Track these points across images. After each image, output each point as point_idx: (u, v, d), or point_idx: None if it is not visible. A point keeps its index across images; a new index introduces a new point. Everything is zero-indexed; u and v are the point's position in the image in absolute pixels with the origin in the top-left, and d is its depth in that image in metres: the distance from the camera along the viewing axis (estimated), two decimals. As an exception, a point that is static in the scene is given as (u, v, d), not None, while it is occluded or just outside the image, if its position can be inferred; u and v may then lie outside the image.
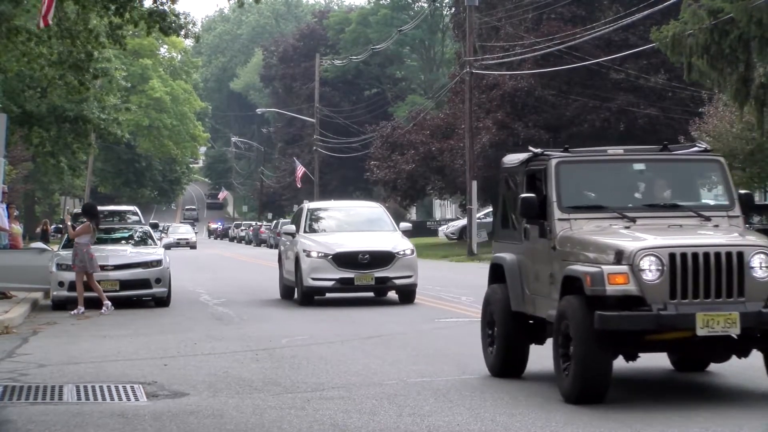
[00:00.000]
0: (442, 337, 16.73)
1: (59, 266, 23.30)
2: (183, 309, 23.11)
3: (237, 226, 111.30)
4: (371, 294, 24.15)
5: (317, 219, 24.81)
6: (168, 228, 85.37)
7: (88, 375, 13.00)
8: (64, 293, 23.16)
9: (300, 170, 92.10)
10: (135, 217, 27.86)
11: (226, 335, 17.57)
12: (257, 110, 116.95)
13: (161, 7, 26.21)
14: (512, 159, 12.99)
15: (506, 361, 12.16)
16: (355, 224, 24.49)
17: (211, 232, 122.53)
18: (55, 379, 12.73)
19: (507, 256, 12.37)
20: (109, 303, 21.96)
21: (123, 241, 25.85)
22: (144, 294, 23.78)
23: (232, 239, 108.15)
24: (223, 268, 44.51)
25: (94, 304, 23.19)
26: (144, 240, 25.86)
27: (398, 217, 74.27)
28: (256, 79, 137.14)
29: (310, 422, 9.88)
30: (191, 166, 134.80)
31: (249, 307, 23.41)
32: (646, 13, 40.55)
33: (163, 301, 23.77)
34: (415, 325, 18.73)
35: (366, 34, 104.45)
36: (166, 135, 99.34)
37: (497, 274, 12.57)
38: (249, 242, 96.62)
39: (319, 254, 22.51)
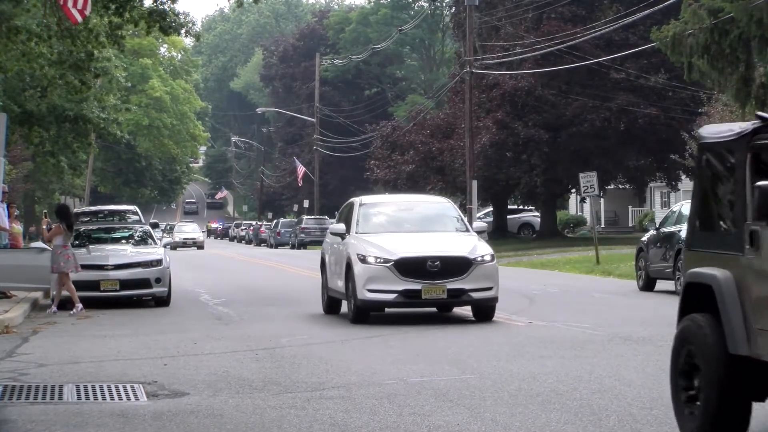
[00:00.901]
0: (442, 337, 16.73)
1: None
2: (183, 309, 23.12)
3: (237, 226, 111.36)
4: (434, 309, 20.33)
5: (372, 216, 20.33)
6: (173, 227, 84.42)
7: (88, 374, 13.00)
8: (64, 293, 23.14)
9: (301, 170, 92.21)
10: (135, 217, 27.86)
11: (226, 335, 17.57)
12: (257, 110, 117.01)
13: (161, 7, 26.24)
14: (720, 131, 8.93)
15: (720, 425, 8.35)
16: (418, 223, 20.40)
17: (212, 232, 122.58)
18: (55, 378, 12.73)
19: (718, 274, 8.46)
20: (80, 306, 21.89)
21: (123, 241, 25.85)
22: (144, 293, 23.78)
23: (232, 239, 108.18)
24: (223, 268, 44.51)
25: (94, 304, 23.21)
26: (144, 240, 25.85)
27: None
28: (256, 78, 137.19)
29: (310, 422, 9.88)
30: (191, 165, 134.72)
31: (249, 306, 23.40)
32: (646, 12, 40.55)
33: (163, 301, 23.77)
34: (416, 325, 18.72)
35: (366, 34, 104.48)
36: (166, 134, 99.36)
37: (700, 298, 8.70)
38: (249, 242, 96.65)
39: (378, 260, 18.29)
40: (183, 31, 27.58)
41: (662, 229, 27.03)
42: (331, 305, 20.80)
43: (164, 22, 25.97)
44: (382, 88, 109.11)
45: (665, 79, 51.95)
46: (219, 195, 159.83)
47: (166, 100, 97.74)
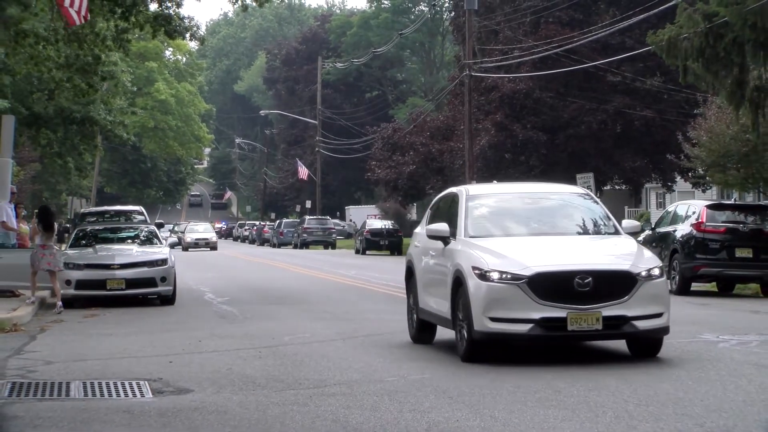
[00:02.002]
0: (441, 335, 16.70)
1: (66, 265, 23.32)
2: (188, 307, 23.11)
3: (241, 226, 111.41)
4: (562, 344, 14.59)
5: (486, 213, 14.76)
6: (185, 228, 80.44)
7: (95, 372, 12.99)
8: (72, 292, 23.19)
9: (303, 171, 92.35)
10: (141, 217, 27.87)
11: (230, 333, 17.56)
12: (260, 112, 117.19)
13: (166, 11, 26.28)
14: None
15: None
16: (550, 221, 14.71)
17: (216, 232, 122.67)
18: (62, 375, 12.73)
19: None
20: (60, 304, 21.94)
21: (129, 241, 25.85)
22: (149, 292, 23.78)
23: (236, 239, 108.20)
24: (227, 267, 44.50)
25: (100, 302, 23.22)
26: (149, 239, 25.86)
27: (399, 217, 74.55)
28: (259, 81, 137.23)
29: (312, 418, 9.87)
30: (196, 166, 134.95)
31: (252, 305, 23.39)
32: (642, 16, 40.54)
33: (168, 300, 23.77)
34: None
35: (367, 38, 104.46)
36: (171, 136, 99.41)
37: None
38: (253, 242, 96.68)
39: (504, 276, 12.82)
40: (188, 34, 27.61)
41: (658, 229, 27.05)
42: (422, 331, 15.54)
43: (169, 26, 26.00)
44: (382, 91, 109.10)
45: (661, 82, 51.96)
46: (225, 196, 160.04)
47: (171, 102, 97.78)
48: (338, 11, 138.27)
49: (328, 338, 16.53)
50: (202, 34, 30.16)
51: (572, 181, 50.68)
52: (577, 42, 47.35)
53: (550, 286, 12.75)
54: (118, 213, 29.02)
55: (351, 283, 31.44)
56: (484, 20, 57.71)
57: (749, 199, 45.24)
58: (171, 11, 26.57)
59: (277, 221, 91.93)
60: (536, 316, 12.68)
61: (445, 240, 14.33)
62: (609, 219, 14.66)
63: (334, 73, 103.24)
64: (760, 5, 24.76)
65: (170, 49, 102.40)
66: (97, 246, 24.80)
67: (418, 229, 16.38)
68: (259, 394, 11.21)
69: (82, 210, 42.76)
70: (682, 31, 26.74)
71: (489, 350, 13.19)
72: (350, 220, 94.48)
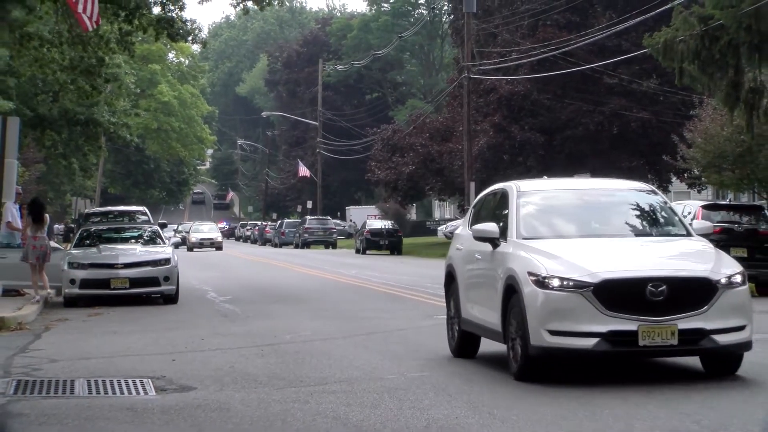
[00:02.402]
0: (440, 334, 16.66)
1: (71, 264, 23.34)
2: (190, 306, 23.11)
3: (243, 226, 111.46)
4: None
5: (540, 212, 12.94)
6: (190, 227, 79.13)
7: (99, 370, 12.99)
8: (76, 291, 23.21)
9: (303, 170, 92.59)
10: (144, 217, 27.88)
11: (232, 331, 17.56)
12: (262, 114, 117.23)
13: (169, 14, 26.28)
14: None
15: None
16: (613, 221, 12.96)
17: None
18: (67, 373, 12.73)
19: None
20: (38, 297, 22.14)
21: (132, 241, 25.87)
22: (153, 291, 23.78)
23: (238, 238, 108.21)
24: (229, 267, 44.49)
25: (103, 302, 23.22)
26: (153, 239, 25.86)
27: (399, 218, 74.58)
28: (261, 83, 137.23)
29: (313, 415, 9.87)
30: (198, 167, 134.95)
31: (254, 304, 23.39)
32: (638, 19, 40.54)
33: (171, 299, 23.77)
34: (415, 321, 18.71)
35: (367, 40, 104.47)
36: (174, 138, 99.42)
37: None
38: (254, 241, 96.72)
39: (566, 283, 11.18)
40: (190, 37, 27.62)
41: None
42: (465, 344, 13.78)
43: (172, 29, 26.00)
44: (382, 93, 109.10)
45: (657, 84, 51.96)
46: (228, 197, 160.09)
47: (174, 104, 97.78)
48: (339, 14, 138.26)
49: (328, 336, 16.53)
50: (205, 37, 30.19)
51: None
52: (574, 44, 47.36)
53: (618, 294, 11.04)
54: (122, 213, 29.04)
55: (351, 282, 31.43)
56: (483, 23, 57.71)
57: (744, 199, 45.26)
58: (173, 14, 26.58)
59: (279, 221, 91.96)
60: (603, 329, 10.98)
61: (495, 242, 12.51)
62: (678, 219, 12.98)
63: (335, 75, 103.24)
64: (755, 8, 24.77)
65: (173, 51, 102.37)
66: (101, 246, 24.82)
67: (459, 230, 14.63)
68: (260, 392, 11.21)
69: (87, 210, 42.81)
70: (678, 33, 26.73)
71: (547, 367, 11.48)
72: (351, 221, 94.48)
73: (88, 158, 59.58)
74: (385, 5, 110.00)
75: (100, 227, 26.71)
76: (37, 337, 17.08)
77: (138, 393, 11.34)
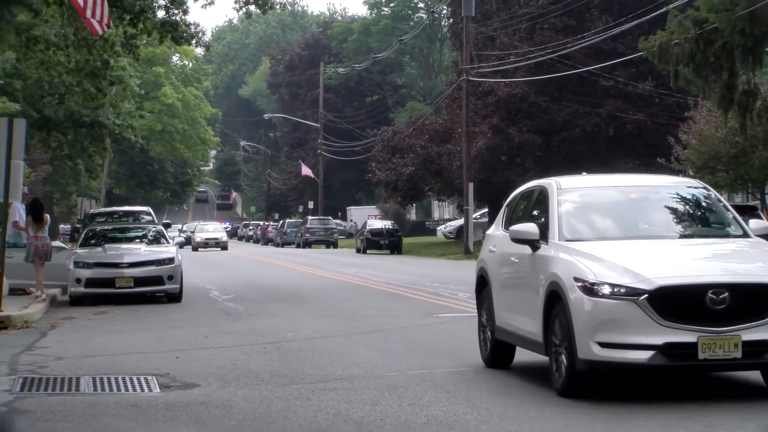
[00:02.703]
0: (440, 332, 16.71)
1: (76, 264, 23.34)
2: (194, 305, 23.11)
3: (245, 226, 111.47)
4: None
5: (584, 211, 11.68)
6: (195, 227, 78.02)
7: (104, 367, 12.99)
8: (81, 290, 23.21)
9: (305, 169, 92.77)
10: (148, 218, 27.88)
11: (234, 329, 17.55)
12: (264, 116, 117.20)
13: (173, 18, 26.28)
14: None
15: None
16: (662, 222, 11.72)
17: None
18: (72, 371, 12.72)
19: None
20: (44, 295, 22.15)
21: (137, 240, 25.86)
22: (157, 290, 23.77)
23: (240, 238, 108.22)
24: (232, 266, 44.48)
25: (108, 300, 23.22)
26: (157, 239, 25.86)
27: (399, 218, 74.58)
28: (263, 86, 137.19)
29: (314, 412, 9.86)
30: (202, 168, 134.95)
31: (257, 302, 23.39)
32: (634, 23, 40.56)
33: (175, 297, 23.76)
34: (415, 320, 18.70)
35: (368, 44, 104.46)
36: (178, 139, 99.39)
37: None
38: (257, 241, 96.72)
39: (617, 290, 9.94)
40: (194, 41, 27.62)
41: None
42: (498, 354, 12.53)
43: (176, 33, 26.00)
44: (383, 95, 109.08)
45: (652, 87, 51.97)
46: (231, 197, 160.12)
47: (178, 106, 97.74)
48: (340, 18, 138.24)
49: (329, 334, 16.52)
50: (208, 40, 30.15)
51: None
52: (571, 48, 47.39)
53: (676, 303, 9.82)
54: (127, 213, 29.03)
55: (352, 281, 31.43)
56: (481, 27, 57.71)
57: (738, 199, 45.24)
58: (177, 18, 26.57)
59: (281, 221, 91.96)
60: (659, 341, 9.73)
61: (535, 244, 11.27)
62: (735, 218, 11.68)
63: (336, 77, 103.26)
64: (749, 12, 24.77)
65: (177, 54, 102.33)
66: (107, 245, 24.82)
67: (491, 231, 13.29)
68: (263, 389, 11.20)
69: (92, 211, 42.81)
70: (673, 37, 26.75)
71: (595, 383, 10.32)
72: (351, 221, 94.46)
73: (93, 159, 59.59)
74: (386, 9, 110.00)
75: (105, 227, 26.71)
76: (43, 335, 17.07)
77: (142, 390, 11.33)
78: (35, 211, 22.94)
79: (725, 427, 8.98)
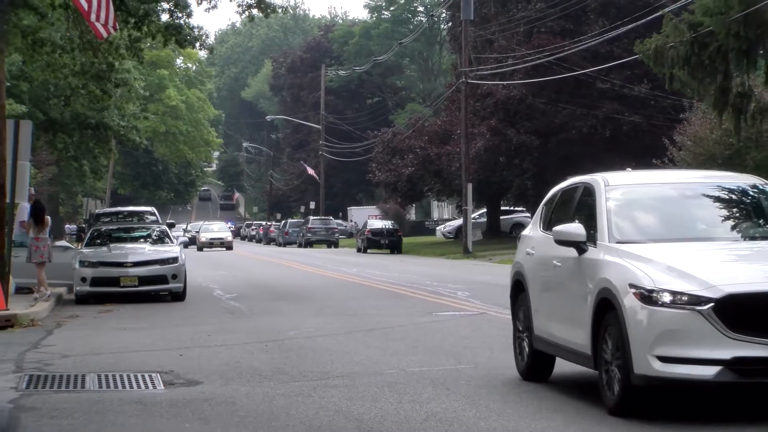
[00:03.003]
0: (439, 330, 16.70)
1: (82, 263, 23.33)
2: (197, 303, 23.10)
3: (248, 226, 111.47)
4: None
5: (634, 211, 10.41)
6: (200, 227, 77.14)
7: (109, 365, 12.98)
8: (87, 288, 23.20)
9: (309, 170, 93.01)
10: (153, 218, 27.87)
11: (237, 328, 17.55)
12: (267, 117, 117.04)
13: (177, 21, 26.25)
14: None
15: None
16: (724, 222, 10.47)
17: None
18: (78, 368, 12.71)
19: None
20: (48, 292, 22.26)
21: (141, 240, 25.86)
22: (161, 289, 23.77)
23: (243, 238, 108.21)
24: (235, 265, 44.47)
25: (114, 299, 23.21)
26: (161, 239, 25.85)
27: (399, 218, 74.55)
28: (265, 88, 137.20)
29: (316, 409, 9.85)
30: (205, 169, 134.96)
31: (259, 301, 23.38)
32: (630, 26, 40.55)
33: (179, 296, 23.76)
34: (414, 318, 18.69)
35: (368, 47, 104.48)
36: (182, 140, 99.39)
37: None
38: (259, 241, 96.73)
39: (679, 298, 8.84)
40: (197, 43, 27.58)
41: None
42: (536, 365, 11.36)
43: (180, 36, 25.97)
44: (383, 97, 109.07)
45: (648, 89, 51.94)
46: (234, 197, 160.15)
47: (181, 108, 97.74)
48: (341, 21, 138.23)
49: (331, 333, 16.51)
50: (211, 43, 30.13)
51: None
52: (568, 51, 47.39)
53: (746, 313, 8.64)
54: (131, 213, 29.02)
55: (353, 280, 31.42)
56: (480, 30, 57.70)
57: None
58: (181, 21, 26.54)
59: (283, 221, 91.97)
60: (726, 355, 8.59)
61: (581, 246, 10.06)
62: None
63: (337, 80, 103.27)
64: (743, 15, 24.75)
65: (181, 57, 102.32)
66: (111, 245, 24.82)
67: (528, 232, 12.17)
68: (265, 386, 11.19)
69: (97, 211, 42.79)
70: (668, 40, 26.72)
71: (653, 401, 9.18)
72: (352, 221, 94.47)
73: (98, 160, 59.61)
74: (386, 13, 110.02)
75: (111, 227, 26.71)
76: (49, 333, 17.07)
77: (147, 387, 11.33)
78: (36, 212, 22.97)
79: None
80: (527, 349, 11.38)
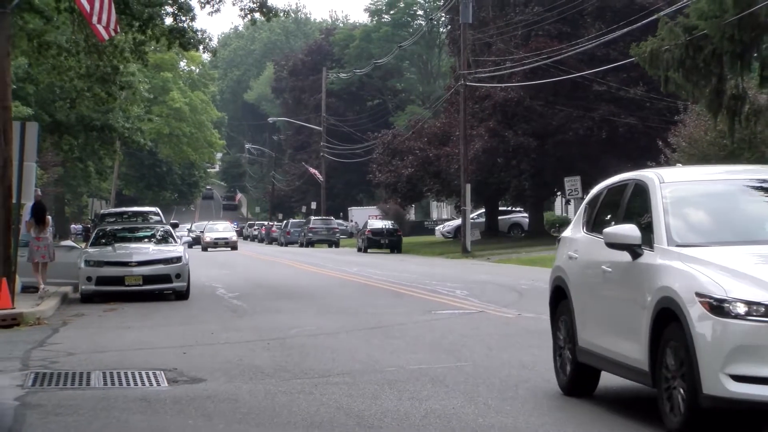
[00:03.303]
0: (438, 328, 16.69)
1: (87, 262, 23.33)
2: (201, 302, 23.09)
3: (250, 226, 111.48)
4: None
5: (693, 211, 9.25)
6: (204, 227, 75.30)
7: (114, 362, 12.97)
8: (92, 287, 23.19)
9: (312, 170, 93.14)
10: (157, 218, 27.87)
11: (240, 326, 17.54)
12: (269, 119, 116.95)
13: (181, 25, 26.25)
14: None
15: None
16: None
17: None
18: (83, 366, 12.71)
19: None
20: (44, 287, 22.63)
21: (146, 240, 25.85)
22: (165, 288, 23.76)
23: (245, 238, 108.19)
24: (237, 264, 44.46)
25: (117, 298, 23.20)
26: (165, 238, 25.85)
27: (398, 218, 74.54)
28: (267, 90, 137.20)
29: (317, 406, 9.85)
30: (208, 170, 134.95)
31: (261, 300, 23.37)
32: (626, 30, 40.54)
33: (182, 295, 23.75)
34: (414, 317, 18.68)
35: (369, 50, 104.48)
36: (185, 142, 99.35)
37: None
38: (261, 240, 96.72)
39: (756, 309, 7.62)
40: (201, 46, 27.58)
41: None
42: (580, 379, 10.25)
43: (184, 39, 25.97)
44: (383, 99, 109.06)
45: (643, 91, 51.94)
46: (236, 198, 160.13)
47: (185, 110, 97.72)
48: (341, 25, 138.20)
49: (332, 331, 16.50)
50: (214, 46, 30.13)
51: (560, 183, 50.61)
52: (565, 54, 47.39)
53: None
54: (136, 214, 29.02)
55: (353, 279, 31.41)
56: (478, 33, 57.69)
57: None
58: (185, 25, 26.54)
59: (285, 221, 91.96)
60: None
61: (636, 250, 8.91)
62: None
63: (338, 82, 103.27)
64: (738, 18, 24.75)
65: (184, 60, 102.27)
66: (116, 245, 24.81)
67: (569, 233, 10.96)
68: (267, 383, 11.19)
69: (102, 211, 42.81)
70: (663, 43, 26.71)
71: (724, 424, 7.97)
72: (353, 221, 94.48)
73: (103, 161, 59.61)
74: (386, 17, 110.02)
75: (115, 227, 26.71)
76: (54, 331, 17.06)
77: (151, 384, 11.32)
78: (37, 213, 23.03)
79: None
80: (570, 362, 10.25)
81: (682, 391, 8.02)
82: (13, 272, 19.52)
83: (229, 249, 65.70)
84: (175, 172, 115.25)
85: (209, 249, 67.28)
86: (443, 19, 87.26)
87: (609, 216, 9.99)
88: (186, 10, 26.25)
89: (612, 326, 9.33)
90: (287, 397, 10.32)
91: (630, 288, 8.95)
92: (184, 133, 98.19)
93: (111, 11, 19.08)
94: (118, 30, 20.63)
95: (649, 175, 9.58)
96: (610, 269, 9.39)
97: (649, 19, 35.39)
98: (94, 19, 19.05)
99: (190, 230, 79.05)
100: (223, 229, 71.82)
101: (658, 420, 8.47)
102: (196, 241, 72.32)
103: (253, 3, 26.59)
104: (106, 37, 19.91)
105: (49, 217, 23.77)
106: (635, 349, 8.72)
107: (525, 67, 50.96)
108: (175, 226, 30.75)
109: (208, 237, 68.29)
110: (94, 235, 26.19)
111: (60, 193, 74.07)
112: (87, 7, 18.83)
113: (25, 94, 38.48)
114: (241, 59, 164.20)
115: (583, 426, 8.87)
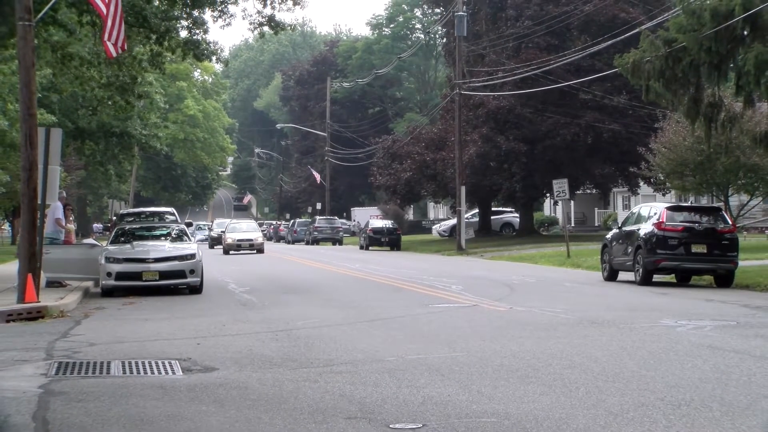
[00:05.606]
0: (434, 321, 16.68)
1: (107, 259, 23.33)
2: (213, 296, 23.08)
3: (260, 225, 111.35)
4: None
5: None
6: (226, 226, 60.01)
7: (132, 352, 12.96)
8: (112, 282, 23.18)
9: (316, 175, 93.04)
10: (172, 217, 27.85)
11: (250, 318, 17.53)
12: (277, 126, 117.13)
13: (195, 37, 26.26)
14: None
15: None
16: None
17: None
18: (104, 356, 12.70)
19: None
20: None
21: (162, 238, 25.83)
22: (180, 283, 23.74)
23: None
24: (247, 261, 44.44)
25: (137, 292, 23.20)
26: (180, 237, 25.84)
27: (398, 218, 74.53)
28: (276, 99, 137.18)
29: (322, 393, 9.85)
30: (220, 173, 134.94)
31: (270, 294, 23.35)
32: (610, 42, 40.56)
33: (196, 289, 23.74)
34: (412, 310, 18.67)
35: (370, 61, 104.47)
36: (199, 147, 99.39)
37: None
38: (270, 239, 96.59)
39: None
40: (214, 57, 27.62)
41: (624, 228, 26.96)
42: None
43: (198, 50, 25.99)
44: (383, 107, 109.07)
45: (626, 100, 51.98)
46: (246, 199, 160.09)
47: (199, 117, 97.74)
48: (345, 38, 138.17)
49: (335, 323, 16.49)
50: (226, 57, 30.22)
51: (549, 185, 50.59)
52: (553, 64, 47.40)
53: None
54: (153, 214, 29.01)
55: (356, 275, 31.40)
56: (472, 45, 57.70)
57: (704, 201, 45.23)
58: (199, 37, 26.56)
59: (292, 221, 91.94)
60: None
61: None
62: None
63: (342, 91, 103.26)
64: (714, 32, 24.75)
65: (198, 70, 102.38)
66: (135, 242, 24.80)
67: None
68: (275, 372, 11.18)
69: (121, 211, 42.83)
70: (645, 55, 26.71)
71: None
72: (355, 220, 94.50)
73: (122, 165, 59.60)
74: (386, 30, 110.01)
75: (134, 226, 26.70)
76: (77, 323, 17.05)
77: (167, 373, 11.31)
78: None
79: None
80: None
81: None
82: (38, 268, 19.51)
83: (255, 252, 52.66)
84: (189, 174, 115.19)
85: (231, 252, 52.91)
86: (440, 32, 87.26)
87: None
88: (200, 23, 26.27)
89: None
90: (294, 385, 10.31)
91: None
92: (197, 138, 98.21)
93: (121, 30, 19.11)
94: (125, 47, 20.62)
95: None
96: None
97: (631, 33, 35.42)
98: (106, 36, 19.07)
99: (210, 229, 77.56)
100: (247, 228, 57.05)
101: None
102: (216, 241, 64.32)
103: (262, 17, 26.62)
104: (114, 54, 19.92)
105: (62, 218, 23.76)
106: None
107: (516, 77, 50.97)
108: (189, 225, 30.71)
109: (230, 238, 53.82)
110: (114, 233, 26.18)
111: (82, 195, 74.03)
112: (109, 23, 18.87)
113: (50, 102, 38.48)
114: (251, 69, 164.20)
115: (570, 410, 8.87)
